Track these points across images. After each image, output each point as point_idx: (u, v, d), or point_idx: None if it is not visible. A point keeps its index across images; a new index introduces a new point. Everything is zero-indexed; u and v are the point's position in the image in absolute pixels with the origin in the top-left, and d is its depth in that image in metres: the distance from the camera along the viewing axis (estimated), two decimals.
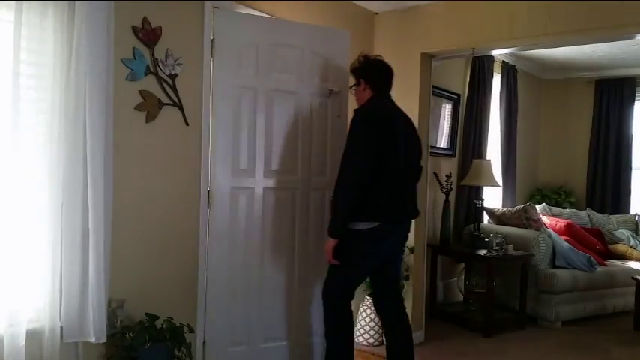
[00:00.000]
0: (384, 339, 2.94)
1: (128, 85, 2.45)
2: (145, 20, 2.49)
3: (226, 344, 2.91)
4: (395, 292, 2.92)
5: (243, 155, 2.92)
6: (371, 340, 3.76)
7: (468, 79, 5.07)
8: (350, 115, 2.79)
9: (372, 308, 3.76)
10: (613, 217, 5.69)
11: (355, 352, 3.67)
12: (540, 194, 6.25)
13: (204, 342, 2.84)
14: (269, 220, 3.01)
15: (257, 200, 2.97)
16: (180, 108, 2.68)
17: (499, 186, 4.96)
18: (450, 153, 4.98)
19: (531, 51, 5.18)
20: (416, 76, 3.79)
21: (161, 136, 2.60)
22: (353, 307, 3.80)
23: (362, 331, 3.78)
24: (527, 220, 4.73)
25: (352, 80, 2.89)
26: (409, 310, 3.80)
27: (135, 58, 2.46)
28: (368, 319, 3.76)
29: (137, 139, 2.51)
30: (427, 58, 3.84)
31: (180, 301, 2.71)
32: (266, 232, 3.01)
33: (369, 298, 3.78)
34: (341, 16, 3.65)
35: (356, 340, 3.80)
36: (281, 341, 3.09)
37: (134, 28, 2.46)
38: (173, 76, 2.62)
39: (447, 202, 4.53)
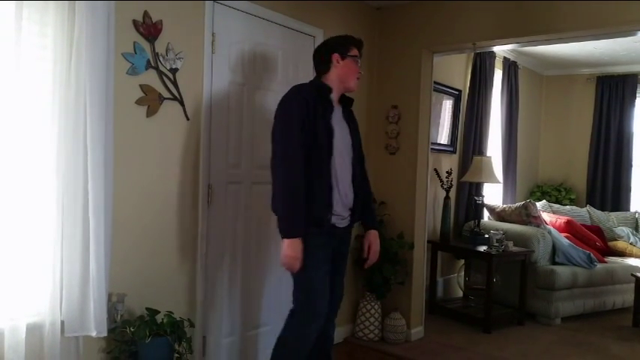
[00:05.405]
0: None
1: (129, 79, 2.44)
2: (145, 14, 2.48)
3: (223, 336, 2.96)
4: None
5: (236, 150, 2.99)
6: (371, 336, 3.76)
7: (469, 75, 5.06)
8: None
9: (372, 304, 3.77)
10: (613, 214, 5.69)
11: (355, 347, 3.70)
12: (541, 191, 6.25)
13: (204, 336, 2.84)
14: (258, 212, 3.07)
15: (247, 194, 3.05)
16: (181, 102, 2.67)
17: (499, 182, 4.96)
18: (451, 149, 4.97)
19: (533, 47, 5.18)
20: (417, 71, 3.79)
21: (162, 130, 2.59)
22: (353, 302, 3.85)
23: (362, 326, 3.78)
24: (528, 216, 4.74)
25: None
26: (409, 306, 3.84)
27: (135, 53, 2.45)
28: (368, 315, 3.77)
29: (137, 133, 2.50)
30: (428, 54, 3.84)
31: (180, 296, 2.71)
32: (253, 225, 3.08)
33: (369, 294, 3.79)
34: (342, 12, 3.63)
35: (355, 335, 3.82)
36: (265, 327, 3.17)
37: (135, 22, 2.45)
38: (174, 71, 2.62)
39: (447, 198, 4.53)
